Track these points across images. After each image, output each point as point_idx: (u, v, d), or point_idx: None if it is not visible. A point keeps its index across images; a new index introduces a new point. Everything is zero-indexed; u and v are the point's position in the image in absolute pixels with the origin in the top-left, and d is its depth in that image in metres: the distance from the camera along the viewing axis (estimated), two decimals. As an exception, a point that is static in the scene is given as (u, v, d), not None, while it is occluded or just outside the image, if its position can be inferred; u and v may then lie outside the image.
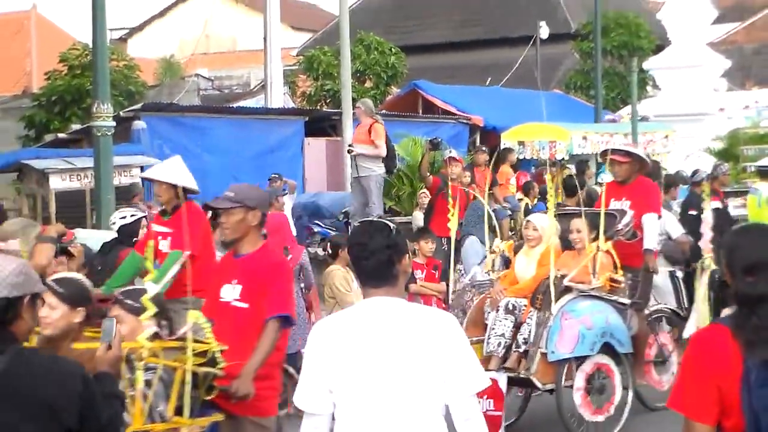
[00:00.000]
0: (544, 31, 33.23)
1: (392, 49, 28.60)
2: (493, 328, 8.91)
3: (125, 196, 14.16)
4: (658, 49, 30.29)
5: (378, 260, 4.04)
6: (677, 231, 11.93)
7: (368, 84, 28.24)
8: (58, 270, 6.25)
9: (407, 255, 4.18)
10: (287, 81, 28.70)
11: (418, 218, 15.51)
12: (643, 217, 9.87)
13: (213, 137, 18.48)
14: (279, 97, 23.61)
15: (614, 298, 9.07)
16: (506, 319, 8.89)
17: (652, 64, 28.54)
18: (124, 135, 16.84)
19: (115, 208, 11.59)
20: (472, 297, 9.53)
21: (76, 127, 20.51)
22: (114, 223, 9.87)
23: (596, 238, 9.10)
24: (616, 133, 21.51)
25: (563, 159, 20.15)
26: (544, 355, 8.61)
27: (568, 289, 8.86)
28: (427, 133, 20.80)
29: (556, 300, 8.70)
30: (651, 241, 9.95)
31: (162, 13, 56.80)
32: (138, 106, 18.72)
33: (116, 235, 9.78)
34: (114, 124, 12.79)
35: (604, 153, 10.53)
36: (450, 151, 17.00)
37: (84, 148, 16.94)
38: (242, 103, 28.65)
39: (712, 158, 22.29)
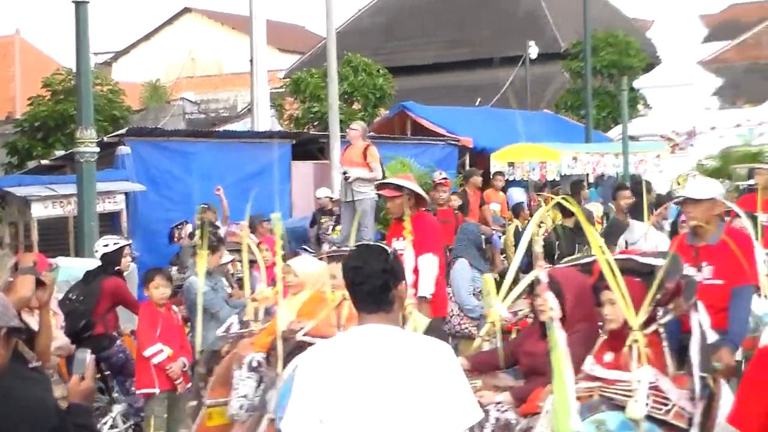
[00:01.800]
0: (533, 51, 33.36)
1: (380, 71, 28.63)
2: (236, 389, 7.80)
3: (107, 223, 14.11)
4: (649, 67, 30.40)
5: (373, 285, 3.98)
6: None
7: (356, 106, 28.24)
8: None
9: (404, 281, 4.11)
10: (274, 104, 28.70)
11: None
12: (420, 258, 9.04)
13: (198, 161, 18.41)
14: (266, 120, 23.57)
15: None
16: (250, 377, 7.80)
17: (643, 82, 28.66)
18: (108, 161, 16.75)
19: (99, 236, 11.52)
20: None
21: (59, 153, 20.43)
22: (97, 251, 9.81)
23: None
24: (607, 152, 21.53)
25: (554, 179, 20.16)
26: (272, 421, 7.39)
27: (310, 344, 7.24)
28: (416, 155, 20.79)
29: (292, 355, 7.36)
30: (426, 286, 9.08)
31: (147, 37, 56.90)
32: (122, 131, 18.63)
33: (99, 263, 9.71)
34: (97, 149, 12.73)
35: (379, 186, 9.71)
36: (440, 173, 17.01)
37: (67, 175, 16.86)
38: (228, 127, 28.64)
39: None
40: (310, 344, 6.81)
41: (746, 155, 24.63)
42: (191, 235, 14.17)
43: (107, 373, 9.57)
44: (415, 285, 8.81)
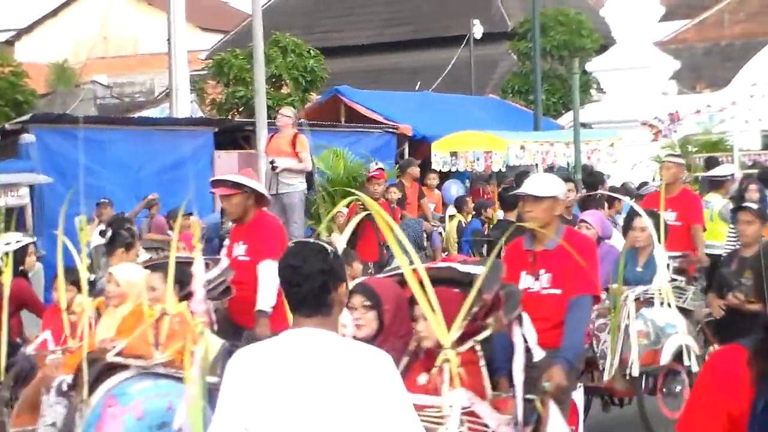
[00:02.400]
0: (477, 30, 33.50)
1: (311, 52, 28.59)
2: (44, 416, 7.34)
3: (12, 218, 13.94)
4: (602, 49, 30.68)
5: (311, 286, 3.98)
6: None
7: (285, 90, 28.18)
8: None
9: (345, 283, 4.12)
10: (195, 87, 28.58)
11: (336, 241, 15.53)
12: (259, 265, 8.73)
13: (112, 151, 18.32)
14: (186, 105, 23.48)
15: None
16: (58, 403, 7.28)
17: (596, 65, 28.90)
18: (11, 150, 16.64)
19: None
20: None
21: (-45, 141, 20.22)
22: (-2, 250, 9.72)
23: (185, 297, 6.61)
24: (557, 141, 21.72)
25: (500, 170, 20.30)
26: None
27: (124, 366, 7.07)
28: (351, 144, 20.87)
29: (100, 379, 7.00)
30: (266, 298, 8.69)
31: (54, 13, 56.29)
32: (26, 117, 18.50)
33: None
34: (-2, 138, 12.63)
35: (213, 183, 9.59)
36: (376, 164, 17.09)
37: (-35, 165, 16.71)
38: (145, 113, 28.47)
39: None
40: (124, 366, 6.96)
41: (706, 144, 25.02)
42: (102, 233, 14.08)
43: (12, 384, 9.50)
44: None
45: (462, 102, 27.84)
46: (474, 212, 17.42)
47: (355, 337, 5.53)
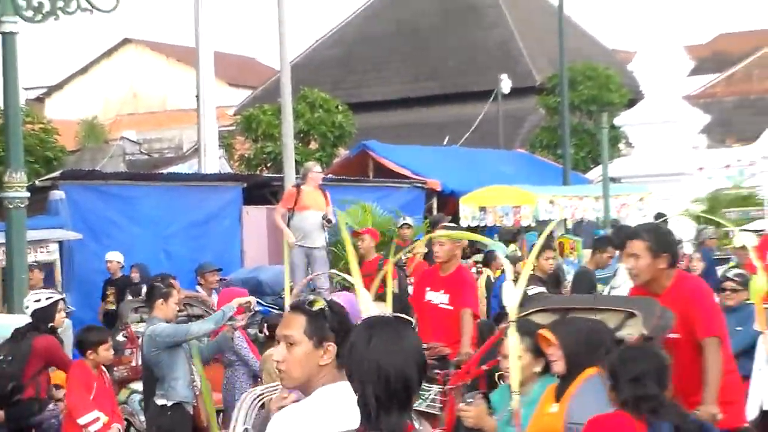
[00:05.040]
0: (505, 85, 33.61)
1: (339, 107, 28.74)
2: None
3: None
4: (631, 103, 30.68)
5: None
6: None
7: (313, 145, 28.31)
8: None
9: None
10: (223, 143, 28.74)
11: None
12: None
13: (141, 207, 18.37)
14: (214, 161, 23.58)
15: None
16: None
17: (625, 119, 28.86)
18: (41, 207, 16.68)
19: (30, 289, 11.46)
20: None
21: (-14, 198, 20.32)
22: (27, 307, 9.74)
23: None
24: (586, 196, 21.67)
25: (528, 225, 20.24)
26: None
27: None
28: (379, 199, 20.85)
29: None
30: None
31: (84, 70, 56.83)
32: (56, 174, 18.57)
33: (30, 320, 9.65)
34: (28, 194, 12.67)
35: None
36: (404, 218, 17.09)
37: (-5, 222, 16.78)
38: (173, 169, 28.57)
39: (692, 222, 22.48)
40: None
41: (736, 198, 24.88)
42: (136, 292, 14.11)
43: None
44: None
45: (490, 156, 27.86)
46: (501, 267, 17.34)
47: None
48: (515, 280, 5.97)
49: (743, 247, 12.07)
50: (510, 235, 21.07)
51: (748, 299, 8.84)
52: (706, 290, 7.05)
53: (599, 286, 12.72)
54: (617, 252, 13.34)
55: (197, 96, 23.22)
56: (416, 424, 3.61)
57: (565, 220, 20.97)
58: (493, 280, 16.95)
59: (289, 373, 4.16)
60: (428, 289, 9.78)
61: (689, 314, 6.61)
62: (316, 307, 4.17)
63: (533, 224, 20.33)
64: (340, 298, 8.52)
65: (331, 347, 4.12)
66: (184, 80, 45.67)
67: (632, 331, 6.30)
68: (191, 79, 25.93)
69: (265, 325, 11.22)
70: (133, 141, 40.90)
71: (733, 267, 10.80)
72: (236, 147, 30.75)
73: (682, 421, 5.08)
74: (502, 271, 17.19)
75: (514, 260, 13.47)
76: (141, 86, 53.18)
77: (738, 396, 6.55)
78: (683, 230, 20.83)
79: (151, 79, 53.04)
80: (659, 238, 6.75)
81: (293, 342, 4.14)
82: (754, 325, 8.60)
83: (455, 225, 18.96)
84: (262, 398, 7.26)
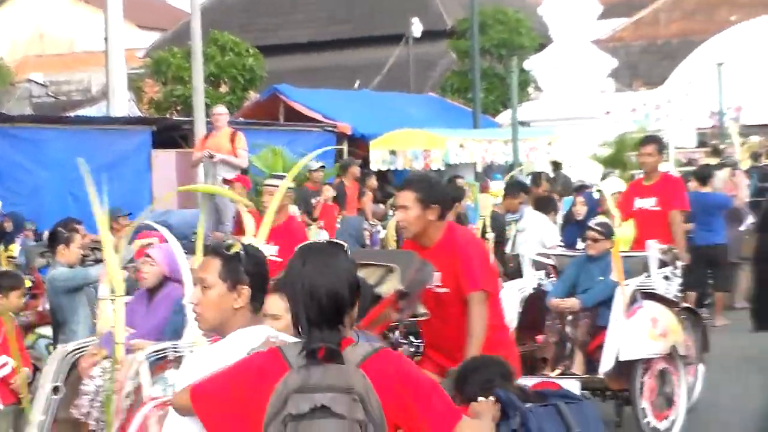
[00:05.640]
0: (416, 29, 33.58)
1: (249, 50, 28.55)
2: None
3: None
4: (541, 47, 30.87)
5: None
6: (551, 241, 12.16)
7: (223, 89, 28.13)
8: None
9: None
10: (132, 86, 28.39)
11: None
12: None
13: (48, 150, 18.17)
14: (123, 104, 23.32)
15: None
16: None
17: (534, 63, 29.09)
18: (-56, 149, 16.48)
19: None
20: None
21: None
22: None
23: None
24: (495, 139, 21.86)
25: (438, 169, 20.38)
26: None
27: None
28: (290, 143, 20.82)
29: None
30: None
31: (-12, 11, 55.64)
32: (-40, 116, 18.32)
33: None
34: (-69, 137, 12.51)
35: None
36: (315, 163, 17.12)
37: None
38: (81, 112, 28.27)
39: (599, 166, 22.80)
40: None
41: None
42: (39, 236, 14.00)
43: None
44: None
45: (401, 100, 27.93)
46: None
47: None
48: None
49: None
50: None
51: (611, 249, 8.88)
52: (476, 243, 6.86)
53: (513, 226, 12.96)
54: (526, 196, 13.61)
55: (105, 38, 22.92)
56: (356, 337, 3.76)
57: (476, 163, 21.16)
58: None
59: (204, 315, 4.23)
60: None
61: (456, 268, 6.38)
62: (232, 251, 4.24)
63: (443, 167, 20.50)
64: (161, 249, 8.51)
65: (245, 290, 4.18)
66: (92, 22, 44.94)
67: (390, 287, 6.21)
68: (100, 20, 25.57)
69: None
70: (40, 83, 40.29)
71: (600, 215, 10.90)
72: (145, 90, 30.42)
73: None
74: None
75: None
76: (48, 27, 52.22)
77: (506, 352, 6.08)
78: (589, 174, 21.17)
79: (59, 20, 52.11)
80: (429, 188, 6.45)
81: (207, 285, 4.21)
82: (611, 275, 8.75)
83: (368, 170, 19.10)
84: (75, 355, 7.36)
